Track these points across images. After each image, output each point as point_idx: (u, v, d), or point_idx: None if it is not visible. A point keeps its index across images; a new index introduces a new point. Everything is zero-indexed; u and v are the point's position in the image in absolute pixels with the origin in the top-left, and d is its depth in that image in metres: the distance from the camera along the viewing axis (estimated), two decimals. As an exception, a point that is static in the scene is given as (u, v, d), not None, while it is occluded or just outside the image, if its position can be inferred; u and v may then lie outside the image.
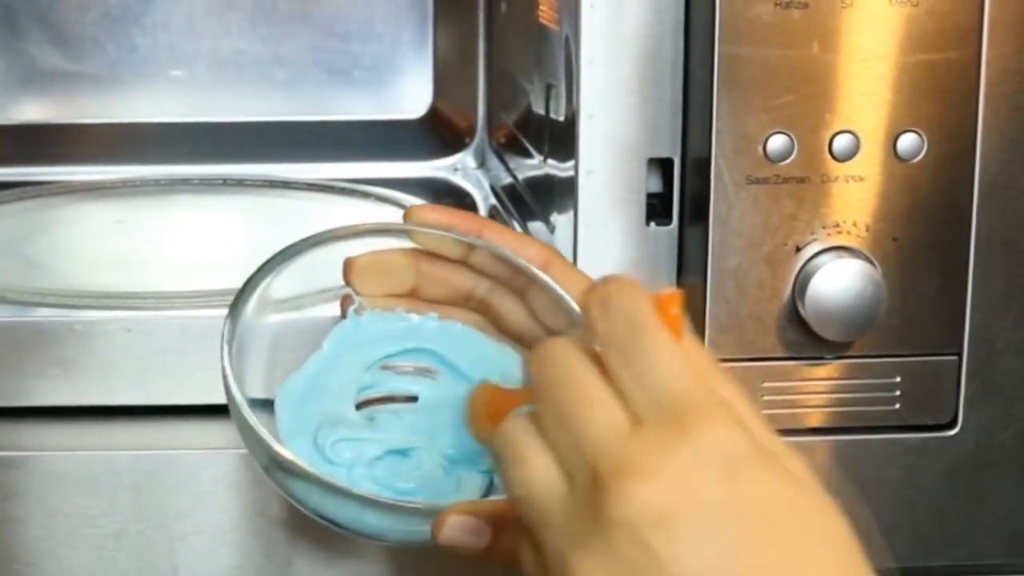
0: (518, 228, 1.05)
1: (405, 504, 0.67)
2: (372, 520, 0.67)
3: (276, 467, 0.69)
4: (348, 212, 1.15)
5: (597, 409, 0.56)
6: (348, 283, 0.76)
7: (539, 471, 0.57)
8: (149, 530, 0.83)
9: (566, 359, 0.58)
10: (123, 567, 0.83)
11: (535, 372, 0.58)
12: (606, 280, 0.59)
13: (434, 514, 0.64)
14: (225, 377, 0.69)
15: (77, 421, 0.86)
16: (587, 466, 0.55)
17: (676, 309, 0.58)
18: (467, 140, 1.29)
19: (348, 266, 0.76)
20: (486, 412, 0.65)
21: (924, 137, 0.81)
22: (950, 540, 0.87)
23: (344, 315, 0.77)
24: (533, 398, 0.58)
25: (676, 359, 0.56)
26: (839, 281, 0.81)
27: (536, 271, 0.72)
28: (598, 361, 0.58)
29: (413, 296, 0.76)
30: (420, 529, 0.65)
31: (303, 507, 0.69)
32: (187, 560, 0.84)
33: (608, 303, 0.58)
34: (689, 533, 0.53)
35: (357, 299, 0.76)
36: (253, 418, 0.68)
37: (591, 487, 0.54)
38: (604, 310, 0.58)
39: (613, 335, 0.57)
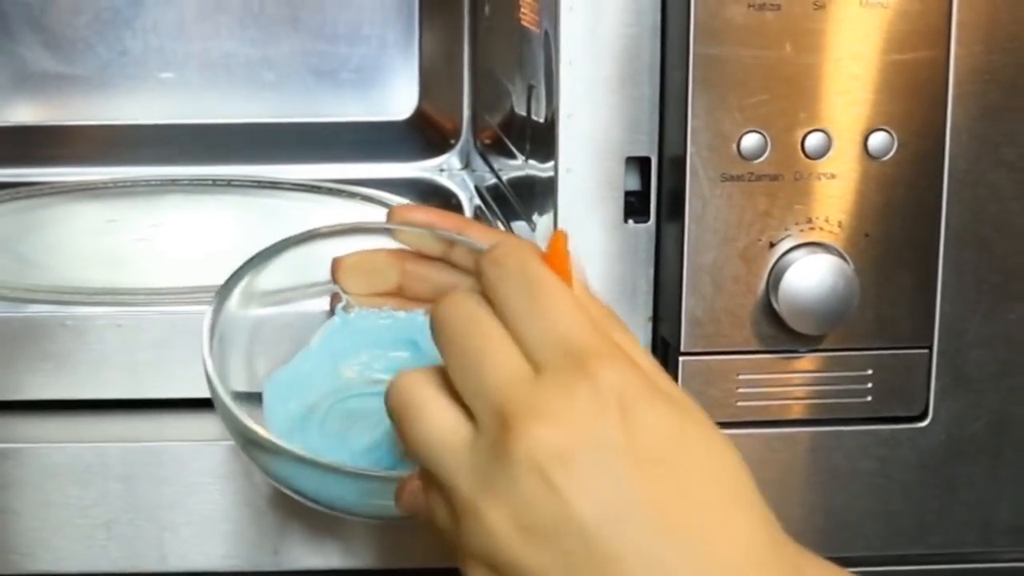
0: (502, 228, 1.06)
1: (368, 473, 0.68)
2: (340, 491, 0.68)
3: (248, 443, 0.70)
4: (335, 212, 1.15)
5: (501, 356, 0.59)
6: (336, 282, 0.78)
7: (441, 420, 0.59)
8: (140, 520, 0.84)
9: (470, 309, 0.60)
10: (114, 556, 0.84)
11: (440, 321, 0.61)
12: (498, 243, 0.62)
13: (396, 483, 0.65)
14: (204, 361, 0.71)
15: (69, 414, 0.87)
16: (493, 409, 0.57)
17: (564, 251, 0.61)
18: (452, 141, 1.30)
19: (335, 265, 0.78)
20: None
21: (894, 135, 0.82)
22: (923, 529, 0.88)
23: (332, 313, 0.78)
24: (437, 340, 0.60)
25: (571, 308, 0.59)
26: (812, 276, 0.82)
27: None
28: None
29: (399, 294, 0.78)
30: (387, 503, 0.66)
31: (278, 483, 0.71)
32: (177, 550, 0.85)
33: (501, 262, 0.60)
34: (589, 469, 0.56)
35: (345, 297, 0.77)
36: (229, 397, 0.70)
37: (498, 430, 0.57)
38: (499, 268, 0.60)
39: (510, 291, 0.59)
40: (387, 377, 0.75)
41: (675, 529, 0.56)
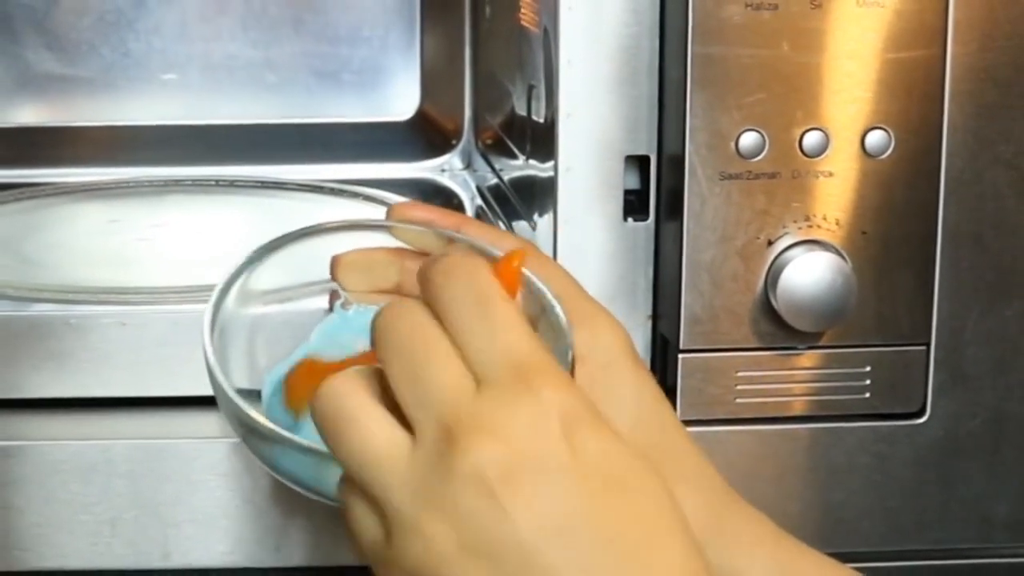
0: (503, 227, 1.06)
1: None
2: (335, 477, 0.69)
3: (247, 432, 0.71)
4: (337, 212, 1.15)
5: (445, 367, 0.58)
6: (334, 279, 0.78)
7: (376, 431, 0.58)
8: (143, 517, 0.84)
9: (416, 318, 0.59)
10: (118, 553, 0.85)
11: (382, 329, 0.60)
12: (448, 253, 0.62)
13: None
14: (205, 349, 0.72)
15: (73, 412, 0.87)
16: (437, 422, 0.57)
17: (516, 266, 0.61)
18: (454, 142, 1.30)
19: (334, 262, 0.78)
20: (305, 385, 0.66)
21: (891, 134, 0.83)
22: (920, 525, 0.88)
23: (331, 309, 0.79)
24: (376, 356, 0.59)
25: (517, 323, 0.58)
26: (810, 274, 0.82)
27: None
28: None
29: (398, 291, 0.78)
30: None
31: (277, 473, 0.71)
32: (180, 546, 0.85)
33: (450, 272, 0.60)
34: (533, 485, 0.55)
35: (343, 294, 0.78)
36: (228, 385, 0.70)
37: (441, 443, 0.56)
38: (447, 278, 0.59)
39: (456, 301, 0.59)
40: None
41: (616, 548, 0.55)
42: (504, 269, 0.61)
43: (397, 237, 0.78)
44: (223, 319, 0.74)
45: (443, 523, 0.56)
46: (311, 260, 0.78)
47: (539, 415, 0.56)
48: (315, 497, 0.71)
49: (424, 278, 0.61)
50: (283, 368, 0.75)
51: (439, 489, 0.56)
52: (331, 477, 0.69)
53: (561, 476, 0.56)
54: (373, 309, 0.77)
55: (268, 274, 0.76)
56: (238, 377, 0.74)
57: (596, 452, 0.57)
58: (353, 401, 0.59)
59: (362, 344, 0.78)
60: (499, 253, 0.74)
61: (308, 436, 0.71)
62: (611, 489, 0.56)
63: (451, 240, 0.77)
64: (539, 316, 0.69)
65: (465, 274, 0.60)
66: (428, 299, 0.60)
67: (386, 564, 0.58)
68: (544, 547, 0.55)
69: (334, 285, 0.78)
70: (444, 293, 0.59)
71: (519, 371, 0.57)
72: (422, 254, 0.78)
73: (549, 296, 0.68)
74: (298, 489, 0.71)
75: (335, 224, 0.78)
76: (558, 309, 0.67)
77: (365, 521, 0.59)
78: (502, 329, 0.58)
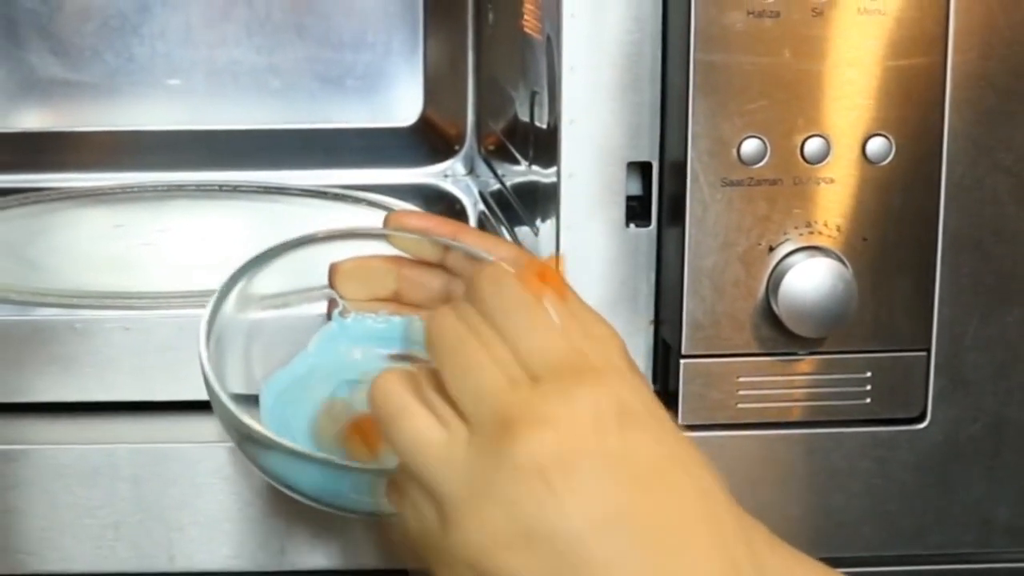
0: (506, 233, 1.07)
1: (357, 467, 0.69)
2: (333, 486, 0.69)
3: (243, 438, 0.71)
4: (340, 217, 1.16)
5: (500, 364, 0.59)
6: (333, 287, 0.78)
7: (428, 421, 0.60)
8: (147, 521, 0.85)
9: (469, 320, 0.61)
10: (122, 556, 0.85)
11: (436, 331, 0.62)
12: (493, 261, 0.65)
13: (384, 475, 0.66)
14: (200, 357, 0.72)
15: (77, 416, 0.87)
16: (493, 412, 0.58)
17: (559, 273, 0.62)
18: (457, 147, 1.30)
19: (332, 271, 0.78)
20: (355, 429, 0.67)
21: (892, 141, 0.83)
22: (920, 529, 0.88)
23: (330, 317, 0.79)
24: (431, 345, 0.61)
25: (568, 328, 0.61)
26: (811, 279, 0.82)
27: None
28: None
29: (395, 299, 0.79)
30: (381, 499, 0.66)
31: (273, 480, 0.71)
32: (184, 550, 0.85)
33: (499, 279, 0.62)
34: (587, 476, 0.57)
35: (341, 302, 0.78)
36: (224, 393, 0.71)
37: (498, 432, 0.58)
38: (496, 285, 0.61)
39: (508, 306, 0.61)
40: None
41: (664, 544, 0.57)
42: (550, 272, 0.63)
43: (394, 245, 0.78)
44: (220, 325, 0.75)
45: (498, 510, 0.57)
46: (309, 267, 0.78)
47: (595, 408, 0.58)
48: (311, 503, 0.72)
49: (472, 286, 0.62)
50: (285, 377, 0.76)
51: (494, 477, 0.57)
52: (326, 482, 0.70)
53: (614, 469, 0.57)
54: (371, 317, 0.78)
55: (266, 280, 0.77)
56: (235, 382, 0.74)
57: (650, 447, 0.58)
58: (402, 394, 0.61)
59: (360, 352, 0.78)
60: (493, 259, 0.74)
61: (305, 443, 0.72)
62: (662, 485, 0.58)
63: (447, 248, 0.77)
64: None
65: (509, 279, 0.62)
66: (478, 305, 0.62)
67: (441, 553, 0.60)
68: (595, 537, 0.56)
69: (332, 292, 0.79)
70: (494, 297, 0.61)
71: (574, 367, 0.59)
72: (419, 262, 0.78)
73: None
74: (294, 495, 0.72)
75: (333, 232, 0.78)
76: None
77: (418, 511, 0.61)
78: (553, 330, 0.60)
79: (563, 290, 0.63)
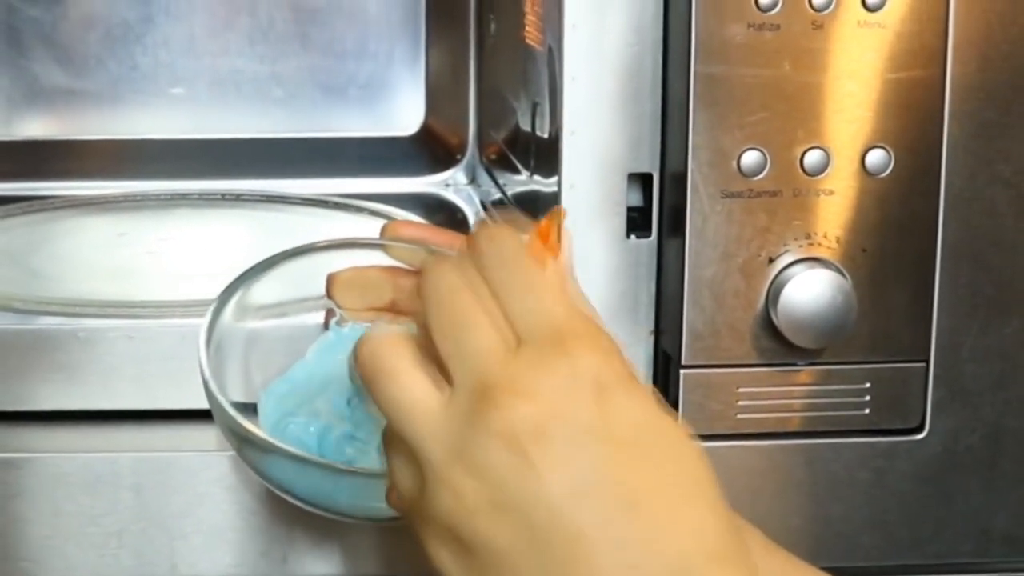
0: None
1: (355, 469, 0.69)
2: (331, 490, 0.69)
3: (242, 442, 0.71)
4: (342, 226, 1.16)
5: (485, 326, 0.59)
6: (330, 297, 0.79)
7: (414, 382, 0.60)
8: (150, 529, 0.85)
9: (463, 275, 0.61)
10: (125, 564, 0.85)
11: (429, 283, 0.62)
12: (491, 223, 0.63)
13: (383, 479, 0.66)
14: (200, 362, 0.72)
15: (80, 424, 0.87)
16: (473, 376, 0.58)
17: (556, 231, 0.62)
18: (458, 156, 1.30)
19: (329, 281, 0.79)
20: None
21: (891, 152, 0.83)
22: (919, 540, 0.89)
23: (327, 327, 0.79)
24: (423, 300, 0.61)
25: (557, 289, 0.60)
26: (810, 291, 0.83)
27: None
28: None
29: (392, 309, 0.79)
30: (380, 503, 0.67)
31: (272, 484, 0.72)
32: (186, 558, 0.85)
33: (496, 238, 0.61)
34: (563, 446, 0.57)
35: (339, 312, 0.79)
36: (223, 397, 0.71)
37: (476, 398, 0.58)
38: (493, 244, 0.61)
39: (501, 264, 0.60)
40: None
41: (641, 512, 0.57)
42: (545, 229, 0.63)
43: (390, 255, 0.79)
44: (220, 333, 0.75)
45: (473, 477, 0.57)
46: (307, 277, 0.79)
47: (573, 378, 0.58)
48: (311, 509, 0.72)
49: (470, 242, 0.62)
50: (283, 386, 0.76)
51: (471, 444, 0.57)
52: (325, 487, 0.70)
53: (590, 439, 0.57)
54: (368, 326, 0.78)
55: (265, 290, 0.77)
56: (234, 391, 0.75)
57: (627, 417, 0.58)
58: (393, 354, 0.61)
59: None
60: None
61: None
62: (639, 453, 0.58)
63: None
64: None
65: (509, 238, 0.61)
66: (475, 259, 0.62)
67: (420, 515, 0.60)
68: (571, 507, 0.56)
69: (330, 302, 0.79)
70: (489, 256, 0.61)
71: (558, 334, 0.59)
72: (415, 272, 0.78)
73: None
74: (294, 501, 0.72)
75: (330, 242, 0.79)
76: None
77: (403, 472, 0.61)
78: (544, 292, 0.60)
79: (554, 245, 0.63)
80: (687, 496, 0.58)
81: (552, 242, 0.62)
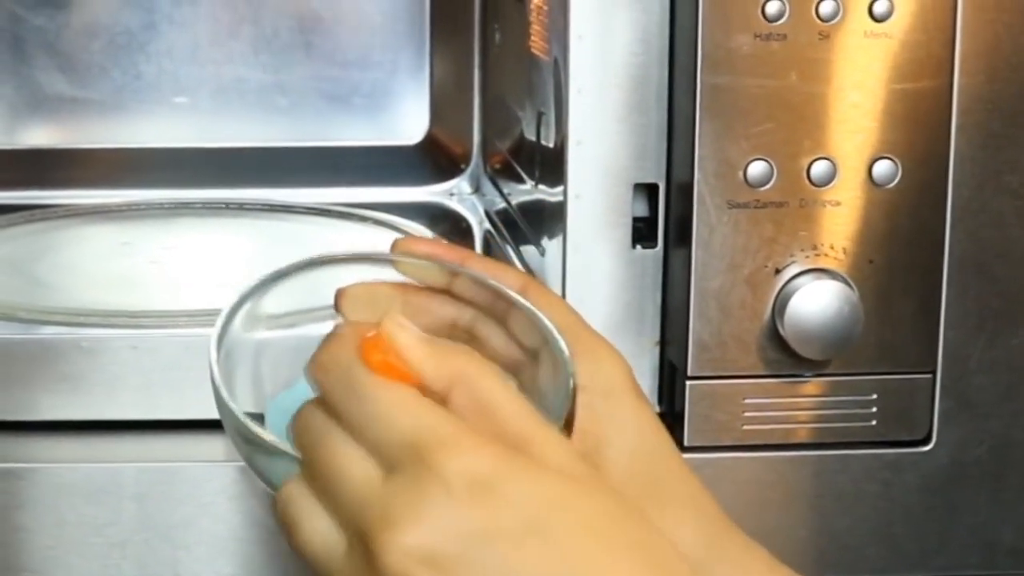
0: (511, 252, 1.07)
1: None
2: None
3: (248, 445, 0.71)
4: (346, 235, 1.16)
5: (350, 468, 0.58)
6: (339, 311, 0.78)
7: (315, 534, 0.58)
8: (153, 539, 0.85)
9: (316, 422, 0.60)
10: (128, 575, 0.85)
11: (296, 438, 0.61)
12: (323, 346, 0.61)
13: None
14: (211, 368, 0.72)
15: (84, 434, 0.87)
16: (354, 525, 0.57)
17: (385, 347, 0.60)
18: (463, 166, 1.30)
19: (339, 295, 0.78)
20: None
21: (898, 163, 0.83)
22: (925, 552, 0.89)
23: None
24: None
25: (403, 402, 0.58)
26: (817, 302, 0.83)
27: (514, 294, 0.75)
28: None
29: None
30: None
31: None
32: (190, 569, 0.85)
33: (326, 368, 0.60)
34: (459, 562, 0.55)
35: None
36: (230, 398, 0.71)
37: (362, 545, 0.56)
38: (325, 375, 0.60)
39: (340, 397, 0.59)
40: None
41: None
42: (371, 346, 0.60)
43: (401, 271, 0.78)
44: (229, 342, 0.75)
45: None
46: (317, 289, 0.78)
47: (446, 489, 0.55)
48: None
49: (310, 376, 0.61)
50: (289, 399, 0.76)
51: None
52: None
53: (484, 545, 0.55)
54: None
55: (275, 301, 0.77)
56: (244, 400, 0.75)
57: (516, 504, 0.56)
58: (297, 504, 0.60)
59: None
60: (500, 284, 0.75)
61: None
62: (545, 535, 0.55)
63: (455, 274, 0.77)
64: (541, 347, 0.69)
65: (339, 365, 0.60)
66: (327, 397, 0.60)
67: None
68: None
69: (339, 317, 0.79)
70: (327, 390, 0.60)
71: (416, 451, 0.56)
72: (425, 288, 0.78)
73: (551, 327, 0.68)
74: None
75: (342, 256, 0.78)
76: (560, 340, 0.68)
77: None
78: (388, 412, 0.58)
79: (388, 355, 0.60)
80: (610, 561, 0.56)
81: (382, 364, 0.60)
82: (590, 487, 0.57)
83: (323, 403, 0.60)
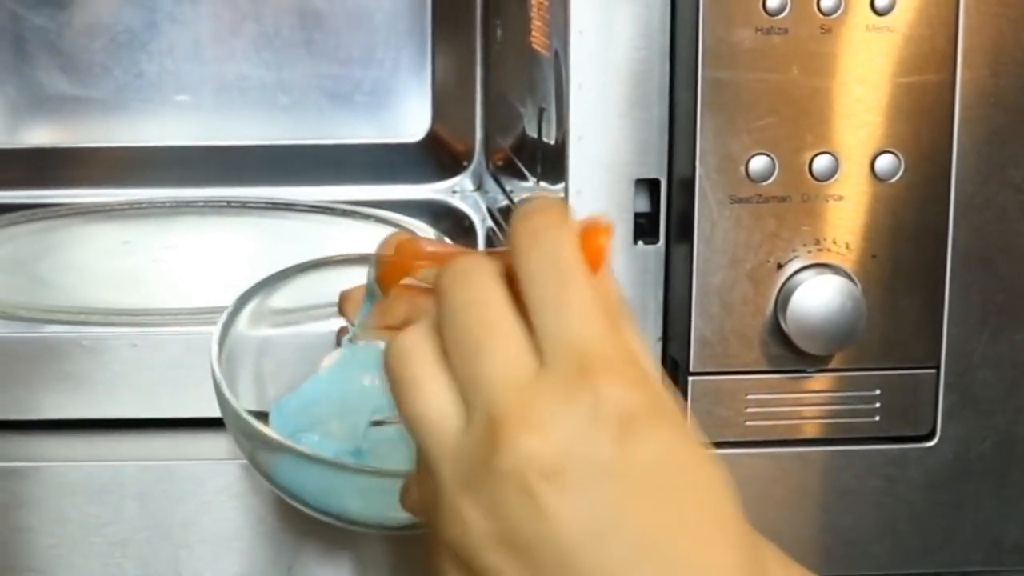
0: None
1: (370, 469, 0.69)
2: (343, 492, 0.69)
3: (252, 441, 0.71)
4: (348, 233, 1.16)
5: (502, 347, 0.55)
6: (343, 314, 0.78)
7: (435, 398, 0.56)
8: (155, 538, 0.85)
9: (481, 284, 0.57)
10: (130, 574, 0.85)
11: (446, 290, 0.57)
12: (536, 210, 0.57)
13: (394, 479, 0.65)
14: (212, 367, 0.72)
15: (85, 433, 0.87)
16: (486, 407, 0.54)
17: (602, 241, 0.57)
18: (465, 163, 1.30)
19: (342, 298, 0.78)
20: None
21: (901, 158, 0.83)
22: (929, 548, 0.88)
23: (339, 344, 0.79)
24: (439, 314, 0.57)
25: (593, 309, 0.55)
26: (820, 297, 0.82)
27: None
28: (513, 284, 0.56)
29: (406, 327, 0.78)
30: (392, 509, 0.65)
31: (282, 490, 0.71)
32: (192, 567, 0.85)
33: (538, 233, 0.57)
34: (576, 487, 0.53)
35: (352, 329, 0.78)
36: (233, 397, 0.71)
37: (487, 431, 0.54)
38: (533, 240, 0.56)
39: (537, 270, 0.56)
40: (391, 413, 0.76)
41: (655, 556, 0.54)
42: (589, 242, 0.57)
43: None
44: (232, 341, 0.75)
45: (481, 511, 0.55)
46: (321, 290, 0.78)
47: (594, 412, 0.54)
48: (322, 517, 0.71)
49: (512, 233, 0.57)
50: (294, 402, 0.76)
51: (480, 478, 0.54)
52: (338, 491, 0.69)
53: (607, 479, 0.54)
54: (381, 344, 0.78)
55: (278, 301, 0.77)
56: (246, 399, 0.75)
57: (649, 454, 0.55)
58: (417, 362, 0.57)
59: (369, 378, 0.78)
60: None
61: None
62: (657, 494, 0.55)
63: None
64: None
65: (551, 241, 0.56)
66: (512, 258, 0.57)
67: (433, 529, 0.57)
68: (582, 550, 0.54)
69: (342, 320, 0.79)
70: (527, 260, 0.56)
71: (583, 361, 0.55)
72: (430, 290, 0.78)
73: None
74: (305, 509, 0.72)
75: (346, 257, 0.78)
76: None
77: (423, 480, 0.58)
78: (576, 312, 0.55)
79: (597, 260, 0.57)
80: (706, 538, 0.55)
81: (595, 252, 0.57)
82: (706, 458, 0.57)
83: (491, 270, 0.57)
